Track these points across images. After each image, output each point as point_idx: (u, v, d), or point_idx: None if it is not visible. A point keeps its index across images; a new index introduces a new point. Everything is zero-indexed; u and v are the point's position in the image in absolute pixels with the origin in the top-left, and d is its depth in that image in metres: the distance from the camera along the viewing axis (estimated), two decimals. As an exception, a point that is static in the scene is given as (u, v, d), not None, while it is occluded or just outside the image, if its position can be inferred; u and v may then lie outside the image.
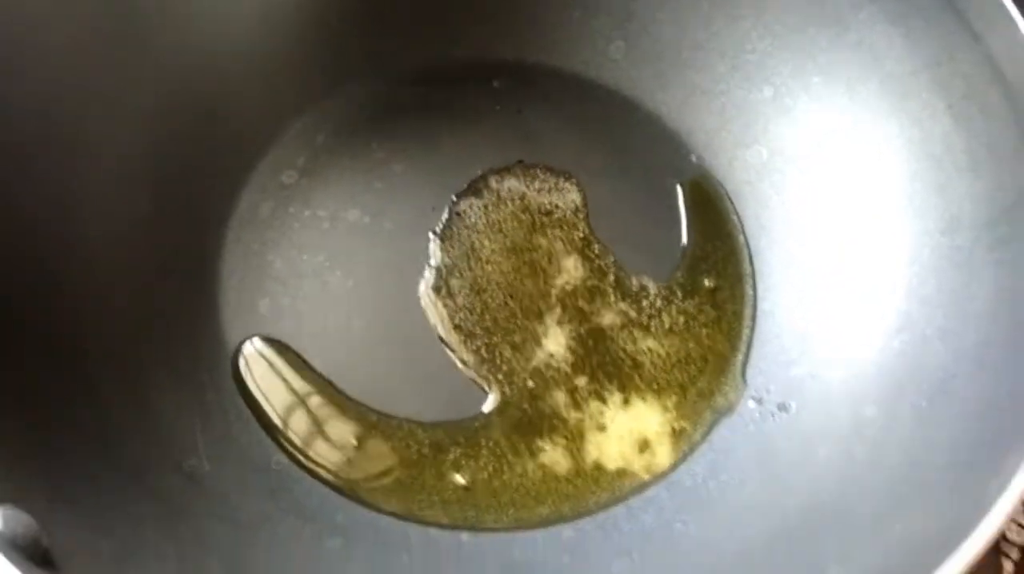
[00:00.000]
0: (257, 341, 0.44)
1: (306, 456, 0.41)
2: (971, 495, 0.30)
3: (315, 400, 0.42)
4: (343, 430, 0.42)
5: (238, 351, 0.43)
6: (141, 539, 0.34)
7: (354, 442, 0.41)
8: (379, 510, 0.40)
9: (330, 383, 0.43)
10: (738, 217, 0.47)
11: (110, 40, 0.42)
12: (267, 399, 0.42)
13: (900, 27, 0.41)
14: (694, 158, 0.48)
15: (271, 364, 0.43)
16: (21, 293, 0.37)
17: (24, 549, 0.27)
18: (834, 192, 0.44)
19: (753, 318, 0.44)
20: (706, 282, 0.45)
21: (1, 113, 0.38)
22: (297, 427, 0.42)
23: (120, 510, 0.34)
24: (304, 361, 0.43)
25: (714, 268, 0.46)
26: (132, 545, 0.34)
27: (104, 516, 0.33)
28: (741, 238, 0.46)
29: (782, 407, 0.41)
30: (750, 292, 0.45)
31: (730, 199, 0.47)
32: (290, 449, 0.41)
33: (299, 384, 0.43)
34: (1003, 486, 0.28)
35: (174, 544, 0.35)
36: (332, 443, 0.41)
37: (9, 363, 0.34)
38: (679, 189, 0.48)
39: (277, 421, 0.42)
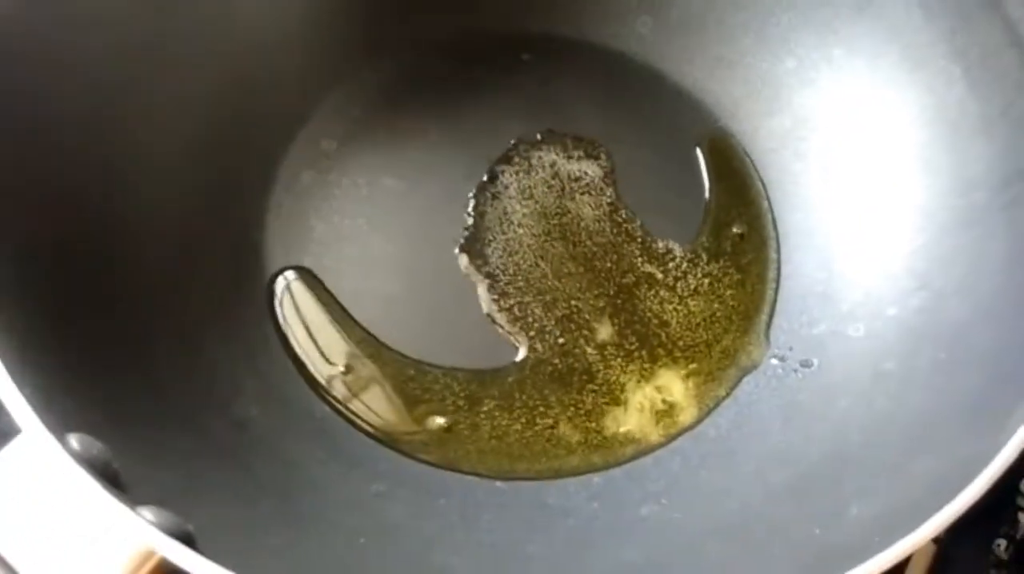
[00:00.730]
0: (301, 294, 0.45)
1: (347, 407, 0.43)
2: (987, 433, 0.31)
3: (356, 351, 0.44)
4: (382, 382, 0.43)
5: (282, 304, 0.45)
6: (198, 474, 0.36)
7: (393, 395, 0.43)
8: (418, 460, 0.42)
9: (372, 335, 0.44)
10: (762, 183, 0.49)
11: (155, 19, 0.43)
12: (308, 353, 0.44)
13: (918, -1, 0.43)
14: (719, 127, 0.50)
15: (313, 316, 0.45)
16: (84, 248, 0.39)
17: (98, 469, 0.29)
18: (854, 158, 0.46)
19: (776, 280, 0.46)
20: (730, 246, 0.47)
21: (54, 86, 0.39)
22: (338, 379, 0.43)
23: (176, 448, 0.36)
24: (346, 312, 0.45)
25: (738, 233, 0.47)
26: (190, 478, 0.36)
27: (162, 452, 0.35)
28: (765, 203, 0.48)
29: (805, 363, 0.43)
30: (773, 255, 0.47)
31: (755, 166, 0.49)
32: (332, 401, 0.43)
33: (341, 335, 0.45)
34: (1019, 420, 0.30)
35: (228, 481, 0.37)
36: (371, 395, 0.43)
37: (73, 311, 0.36)
38: (704, 156, 0.49)
39: (318, 373, 0.43)
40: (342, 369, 0.44)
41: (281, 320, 0.45)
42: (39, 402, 0.29)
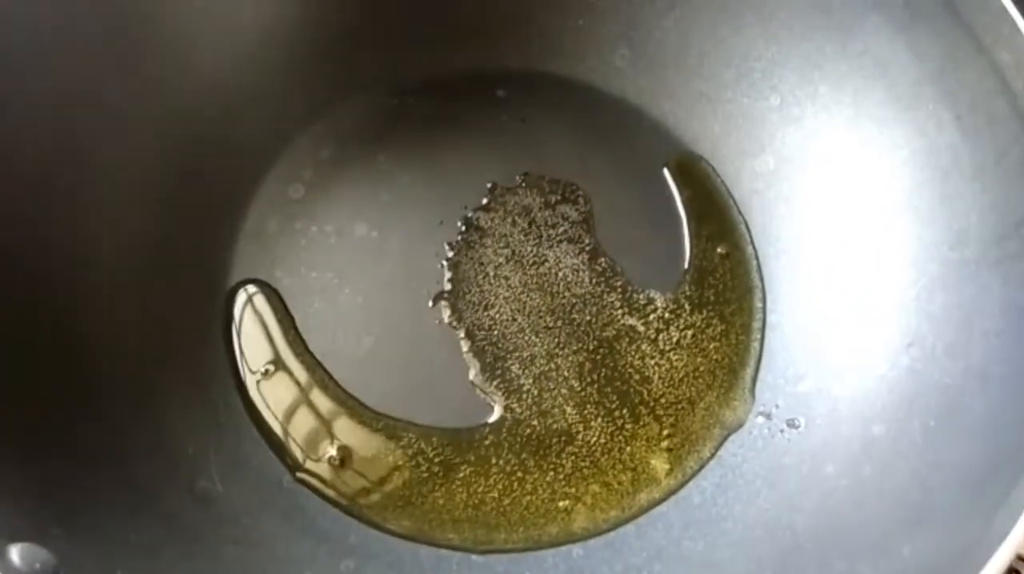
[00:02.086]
0: (266, 354, 0.44)
1: (316, 476, 0.41)
2: (981, 520, 0.30)
3: (324, 412, 0.42)
4: (353, 447, 0.42)
5: (247, 365, 0.44)
6: (156, 567, 0.35)
7: (363, 460, 0.42)
8: (390, 531, 0.40)
9: (344, 393, 0.43)
10: (746, 226, 0.47)
11: (115, 63, 0.42)
12: (275, 416, 0.43)
13: (905, 36, 0.41)
14: (701, 168, 0.48)
15: (279, 380, 0.44)
16: (32, 315, 0.37)
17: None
18: (843, 202, 0.44)
19: (761, 331, 0.44)
20: (713, 295, 0.45)
21: (11, 139, 0.38)
22: (306, 445, 0.42)
23: (135, 539, 0.35)
24: (316, 370, 0.43)
25: (721, 280, 0.46)
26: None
27: (119, 546, 0.34)
28: (749, 248, 0.46)
29: (791, 423, 0.41)
30: (758, 304, 0.45)
31: (738, 208, 0.47)
32: (299, 470, 0.41)
33: (308, 399, 0.43)
34: (1014, 515, 0.28)
35: (189, 570, 0.35)
36: (341, 462, 0.42)
37: (23, 394, 0.35)
38: (684, 199, 0.48)
39: (285, 438, 0.42)
40: (309, 432, 0.42)
41: (246, 382, 0.43)
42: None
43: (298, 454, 0.42)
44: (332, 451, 0.42)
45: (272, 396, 0.43)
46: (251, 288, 0.45)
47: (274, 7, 0.46)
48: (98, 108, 0.41)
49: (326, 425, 0.42)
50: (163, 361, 0.42)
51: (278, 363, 0.44)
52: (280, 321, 0.45)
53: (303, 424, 0.43)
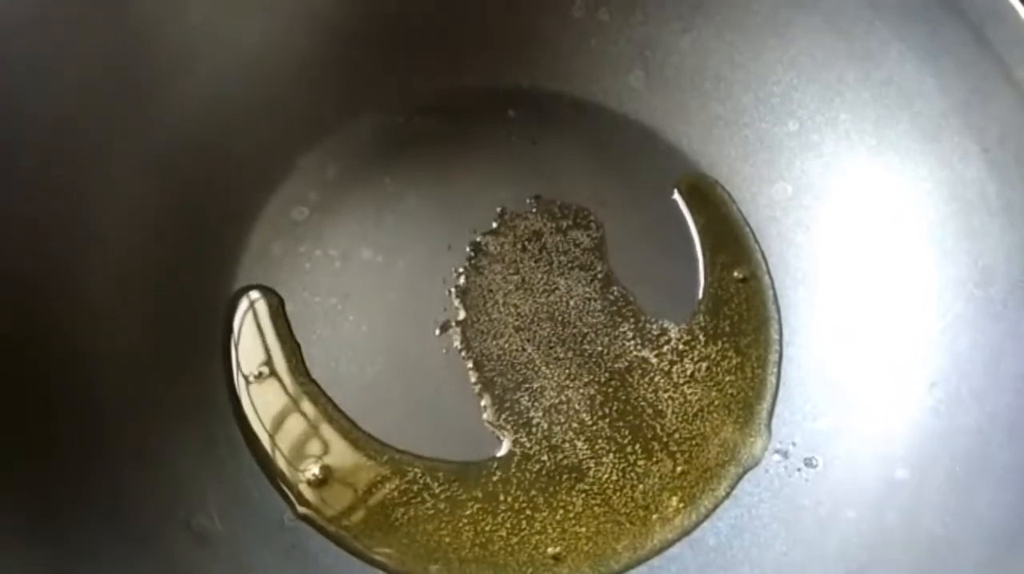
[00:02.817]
0: (270, 381, 0.43)
1: (318, 512, 0.40)
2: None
3: (327, 441, 0.41)
4: (356, 483, 0.41)
5: (249, 395, 0.42)
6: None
7: (367, 495, 0.40)
8: (394, 571, 0.39)
9: (347, 420, 0.42)
10: (763, 255, 0.46)
11: (115, 83, 0.41)
12: (277, 447, 0.41)
13: (930, 66, 0.39)
14: (717, 193, 0.47)
15: (281, 409, 0.42)
16: (29, 345, 0.36)
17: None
18: (863, 232, 0.43)
19: (778, 364, 0.43)
20: (728, 326, 0.44)
21: (11, 159, 0.37)
22: (308, 479, 0.41)
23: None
24: (319, 399, 0.42)
25: (737, 311, 0.44)
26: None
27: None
28: (766, 278, 0.45)
29: (809, 462, 0.40)
30: (775, 336, 0.44)
31: (754, 236, 0.46)
32: (300, 505, 0.40)
33: (310, 429, 0.42)
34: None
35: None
36: (344, 497, 0.40)
37: (18, 431, 0.34)
38: (699, 225, 0.46)
39: (287, 470, 0.41)
40: (312, 465, 0.41)
41: (248, 411, 0.42)
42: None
43: (299, 487, 0.41)
44: (334, 485, 0.41)
45: (273, 427, 0.42)
46: (253, 311, 0.44)
47: (278, 26, 0.45)
48: (96, 128, 0.40)
49: (329, 457, 0.41)
50: (161, 391, 0.40)
51: (280, 392, 0.42)
52: (283, 347, 0.43)
53: (305, 456, 0.41)
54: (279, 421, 0.42)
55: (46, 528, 0.32)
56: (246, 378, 0.43)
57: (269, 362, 0.43)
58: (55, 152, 0.39)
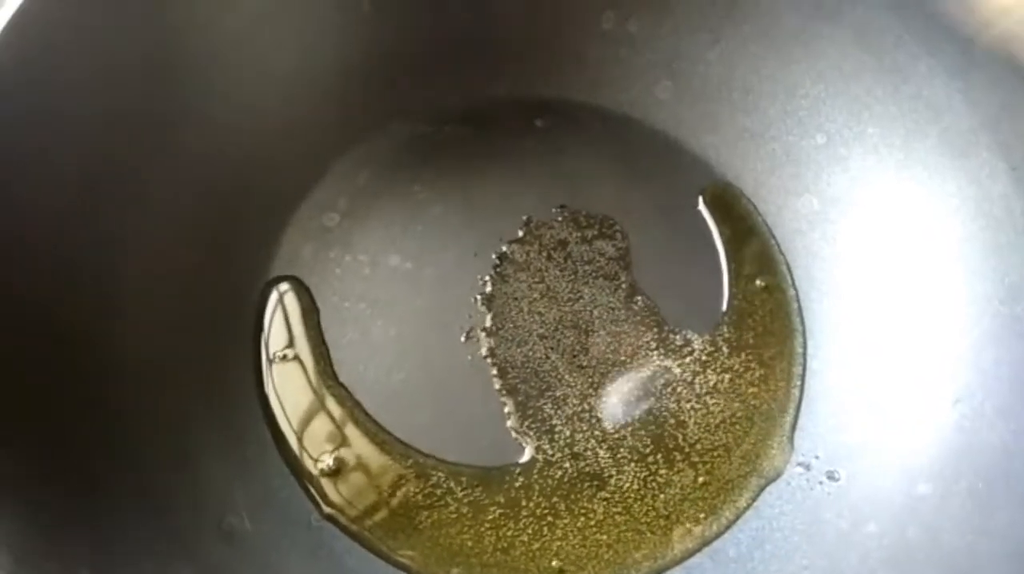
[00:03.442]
0: (297, 386, 0.43)
1: (342, 512, 0.41)
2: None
3: (354, 448, 0.42)
4: (380, 484, 0.41)
5: (278, 397, 0.43)
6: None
7: (390, 497, 0.41)
8: (417, 573, 0.40)
9: (372, 422, 0.42)
10: (788, 268, 0.46)
11: (150, 91, 0.41)
12: (305, 449, 0.42)
13: (959, 82, 0.39)
14: (742, 205, 0.47)
15: (309, 411, 0.43)
16: (65, 354, 0.37)
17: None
18: (889, 247, 0.43)
19: (802, 377, 0.43)
20: (752, 338, 0.44)
21: (52, 168, 0.37)
22: (334, 480, 0.41)
23: (162, 577, 0.35)
24: (343, 410, 0.43)
25: (761, 322, 0.45)
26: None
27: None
28: (791, 290, 0.45)
29: (831, 475, 0.40)
30: (799, 349, 0.44)
31: (780, 248, 0.46)
32: (327, 507, 0.41)
33: (337, 432, 0.43)
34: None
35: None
36: (369, 498, 0.41)
37: (53, 429, 0.34)
38: (725, 236, 0.47)
39: (314, 471, 0.41)
40: (338, 467, 0.42)
41: (276, 412, 0.43)
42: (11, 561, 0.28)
43: (325, 488, 0.41)
44: (358, 486, 0.41)
45: (300, 428, 0.43)
46: (284, 314, 0.45)
47: (310, 35, 0.45)
48: (132, 136, 0.41)
49: (354, 458, 0.42)
50: (192, 393, 0.41)
51: (308, 394, 0.43)
52: (312, 350, 0.44)
53: (331, 458, 0.42)
54: (306, 422, 0.43)
55: (80, 526, 0.33)
56: (275, 380, 0.43)
57: (298, 365, 0.44)
58: (96, 159, 0.39)
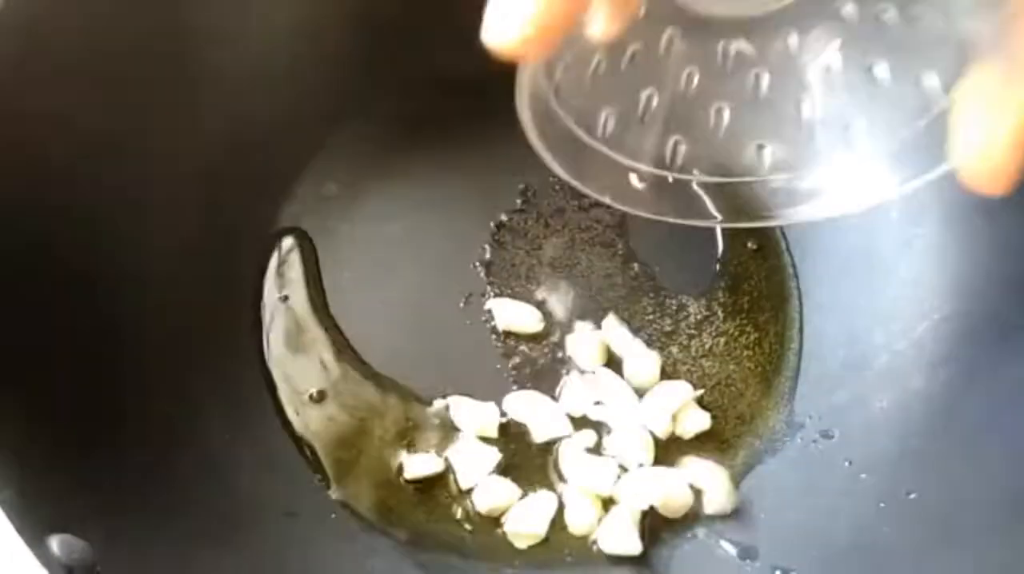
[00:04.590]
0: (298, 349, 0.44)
1: (343, 483, 0.41)
2: (1018, 543, 0.29)
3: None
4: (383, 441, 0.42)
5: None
6: (189, 559, 0.35)
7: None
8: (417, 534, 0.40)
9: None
10: (782, 234, 0.46)
11: (154, 64, 0.41)
12: (307, 427, 0.42)
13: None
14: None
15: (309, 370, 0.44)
16: (73, 313, 0.37)
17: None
18: (881, 214, 0.43)
19: (796, 341, 0.44)
20: (747, 302, 0.45)
21: (57, 143, 0.38)
22: (334, 452, 0.42)
23: (170, 529, 0.35)
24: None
25: (756, 287, 0.45)
26: (180, 565, 0.34)
27: (154, 539, 0.34)
28: (785, 255, 0.46)
29: (825, 434, 0.41)
30: (794, 314, 0.45)
31: (774, 215, 0.47)
32: (329, 474, 0.41)
33: (341, 399, 0.43)
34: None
35: (223, 568, 0.35)
36: (369, 471, 0.42)
37: (64, 393, 0.35)
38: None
39: (318, 448, 0.42)
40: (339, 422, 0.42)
41: (278, 381, 0.43)
42: (20, 503, 0.28)
43: (329, 454, 0.42)
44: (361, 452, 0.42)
45: (302, 399, 0.43)
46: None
47: (308, 9, 0.46)
48: (132, 112, 0.41)
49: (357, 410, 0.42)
50: (197, 356, 0.41)
51: (312, 359, 0.44)
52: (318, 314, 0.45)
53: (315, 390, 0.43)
54: (307, 385, 0.43)
55: (89, 481, 0.33)
56: (271, 346, 0.44)
57: (299, 328, 0.44)
58: (93, 143, 0.39)
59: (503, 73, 0.49)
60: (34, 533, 0.28)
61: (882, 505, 0.37)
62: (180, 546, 0.35)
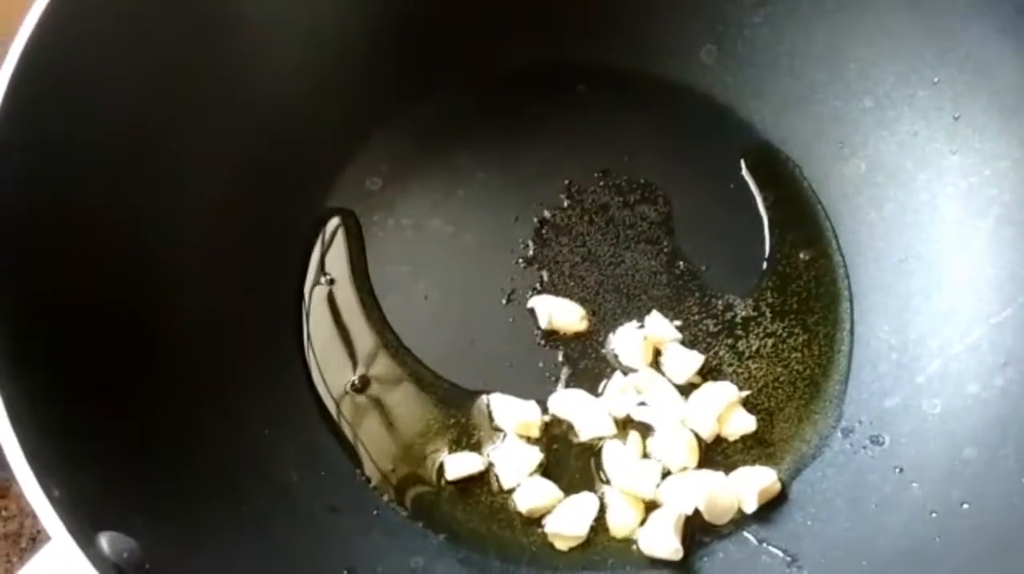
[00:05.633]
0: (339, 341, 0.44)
1: (385, 478, 0.41)
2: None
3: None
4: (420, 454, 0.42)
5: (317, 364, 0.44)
6: (234, 554, 0.35)
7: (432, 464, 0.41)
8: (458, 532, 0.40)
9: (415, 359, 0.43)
10: (834, 233, 0.45)
11: (198, 61, 0.41)
12: (344, 417, 0.43)
13: (1013, 43, 0.39)
14: (787, 170, 0.47)
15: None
16: (122, 313, 0.37)
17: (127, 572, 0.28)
18: (936, 212, 0.43)
19: (847, 343, 0.43)
20: (796, 303, 0.44)
21: (95, 136, 0.38)
22: (375, 447, 0.42)
23: (214, 525, 0.35)
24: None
25: (805, 288, 0.44)
26: (225, 561, 0.35)
27: (197, 534, 0.34)
28: (837, 256, 0.45)
29: (875, 440, 0.40)
30: (844, 316, 0.44)
31: (826, 214, 0.46)
32: (371, 463, 0.41)
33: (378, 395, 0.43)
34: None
35: (263, 559, 0.36)
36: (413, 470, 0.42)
37: (111, 394, 0.35)
38: (768, 202, 0.46)
39: (360, 442, 0.42)
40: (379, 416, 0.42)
41: (317, 379, 0.43)
42: (69, 502, 0.29)
43: (369, 452, 0.42)
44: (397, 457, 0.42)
45: (343, 390, 0.43)
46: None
47: (355, 6, 0.46)
48: (175, 106, 0.41)
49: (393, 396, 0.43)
50: (239, 352, 0.42)
51: (354, 352, 0.44)
52: (363, 307, 0.45)
53: (373, 426, 0.42)
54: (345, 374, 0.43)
55: (134, 477, 0.34)
56: (311, 337, 0.44)
57: (339, 323, 0.44)
58: (133, 138, 0.39)
59: (545, 70, 0.49)
60: (84, 533, 0.28)
61: (934, 515, 0.36)
62: (224, 543, 0.35)
